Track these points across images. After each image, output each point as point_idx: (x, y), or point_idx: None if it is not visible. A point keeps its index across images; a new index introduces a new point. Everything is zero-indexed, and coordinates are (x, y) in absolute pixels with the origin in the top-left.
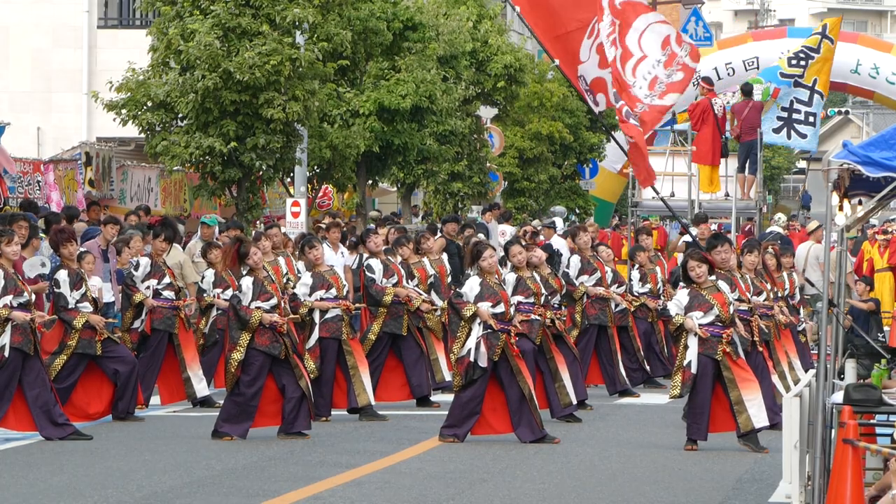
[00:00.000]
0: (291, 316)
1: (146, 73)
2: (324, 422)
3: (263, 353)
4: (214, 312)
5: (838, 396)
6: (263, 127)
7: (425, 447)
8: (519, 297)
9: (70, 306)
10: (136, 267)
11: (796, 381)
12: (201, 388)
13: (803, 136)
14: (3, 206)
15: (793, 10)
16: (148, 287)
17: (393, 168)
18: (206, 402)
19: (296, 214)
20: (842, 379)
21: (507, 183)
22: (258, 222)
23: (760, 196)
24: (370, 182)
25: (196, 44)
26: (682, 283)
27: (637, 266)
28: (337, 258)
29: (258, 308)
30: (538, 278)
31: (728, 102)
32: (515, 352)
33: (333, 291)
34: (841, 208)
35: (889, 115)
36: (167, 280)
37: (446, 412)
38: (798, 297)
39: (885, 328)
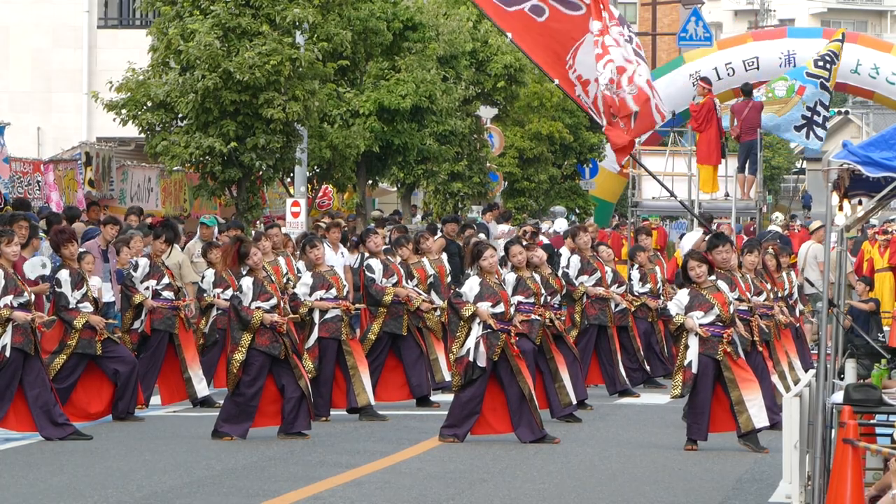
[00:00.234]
0: (291, 316)
1: (146, 73)
2: (323, 422)
3: (264, 353)
4: (214, 312)
5: (838, 396)
6: (263, 127)
7: (425, 447)
8: (519, 297)
9: (71, 306)
10: (135, 268)
11: (796, 381)
12: (201, 388)
13: (820, 138)
14: (2, 206)
15: (793, 10)
16: (147, 288)
17: (393, 168)
18: (206, 402)
19: (296, 214)
20: (842, 379)
21: (507, 183)
22: (258, 222)
23: (760, 196)
24: (370, 182)
25: (196, 44)
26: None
27: (637, 266)
28: (337, 258)
29: (258, 308)
30: (538, 278)
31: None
32: (515, 352)
33: (333, 291)
34: (841, 208)
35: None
36: (166, 280)
37: (446, 412)
38: (796, 295)
39: (885, 328)
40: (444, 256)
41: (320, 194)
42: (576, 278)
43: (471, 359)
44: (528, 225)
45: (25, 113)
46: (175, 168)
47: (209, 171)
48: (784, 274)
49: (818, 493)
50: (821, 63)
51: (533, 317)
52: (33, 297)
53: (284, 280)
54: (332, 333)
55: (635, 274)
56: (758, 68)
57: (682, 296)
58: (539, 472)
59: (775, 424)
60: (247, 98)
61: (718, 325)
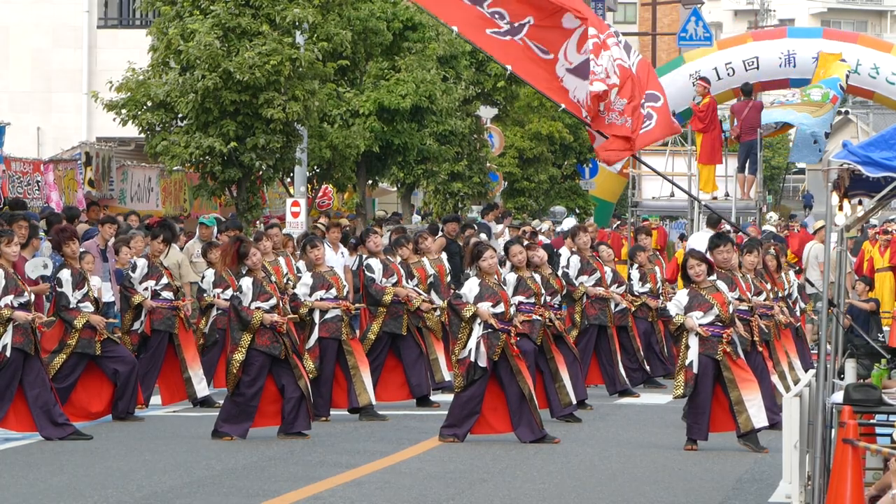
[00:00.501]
0: (290, 316)
1: (146, 73)
2: (323, 422)
3: (264, 353)
4: (214, 312)
5: (838, 396)
6: (263, 127)
7: (425, 447)
8: (520, 298)
9: (71, 306)
10: (133, 268)
11: (796, 381)
12: (201, 388)
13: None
14: (2, 206)
15: (793, 10)
16: (146, 288)
17: (393, 168)
18: (206, 402)
19: (296, 214)
20: (842, 379)
21: (507, 183)
22: (258, 222)
23: (760, 196)
24: (370, 182)
25: (196, 44)
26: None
27: (637, 266)
28: (337, 258)
29: (258, 308)
30: (539, 279)
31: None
32: (515, 352)
33: (333, 292)
34: (841, 208)
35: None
36: (165, 280)
37: (446, 412)
38: (795, 295)
39: (885, 328)
40: (444, 256)
41: (320, 194)
42: (576, 278)
43: (472, 359)
44: (527, 225)
45: (25, 113)
46: (175, 168)
47: (209, 171)
48: (783, 274)
49: (818, 493)
50: (843, 85)
51: (534, 317)
52: (33, 296)
53: (285, 280)
54: (333, 333)
55: (635, 274)
56: (758, 68)
57: (682, 296)
58: (539, 472)
59: (775, 424)
60: (247, 98)
61: (718, 325)
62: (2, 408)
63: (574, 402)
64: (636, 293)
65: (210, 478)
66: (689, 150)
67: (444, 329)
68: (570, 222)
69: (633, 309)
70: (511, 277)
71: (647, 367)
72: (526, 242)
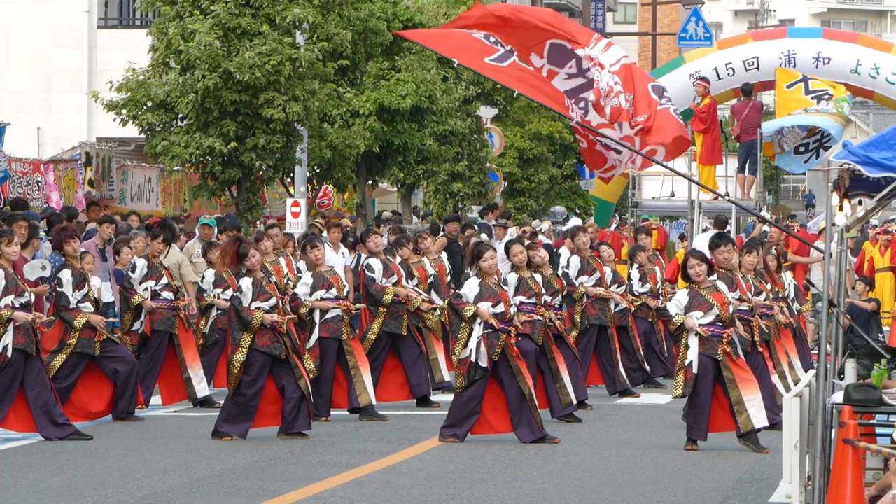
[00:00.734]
0: (290, 315)
1: (146, 73)
2: (323, 422)
3: (264, 353)
4: (214, 312)
5: (838, 396)
6: (263, 127)
7: (425, 447)
8: (521, 298)
9: (71, 306)
10: (133, 269)
11: (796, 381)
12: (201, 388)
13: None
14: (2, 206)
15: (793, 10)
16: (146, 289)
17: (393, 168)
18: (206, 402)
19: (296, 214)
20: (842, 379)
21: (507, 183)
22: (258, 222)
23: (760, 196)
24: (370, 182)
25: (196, 44)
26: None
27: (637, 266)
28: (337, 258)
29: (258, 308)
30: (539, 279)
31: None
32: (515, 352)
33: (334, 291)
34: (841, 208)
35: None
36: (165, 280)
37: (446, 412)
38: (792, 294)
39: (885, 328)
40: (444, 256)
41: (320, 194)
42: (575, 279)
43: (473, 359)
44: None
45: (25, 113)
46: (175, 168)
47: (209, 171)
48: (782, 274)
49: (818, 493)
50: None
51: (535, 317)
52: (33, 297)
53: (285, 280)
54: (333, 333)
55: (635, 274)
56: (758, 68)
57: (682, 296)
58: (539, 472)
59: (775, 424)
60: (247, 98)
61: (718, 325)
62: (3, 408)
63: (574, 402)
64: (636, 293)
65: (210, 478)
66: (689, 151)
67: (444, 329)
68: (575, 222)
69: (633, 309)
70: (512, 278)
71: (647, 367)
72: (527, 242)
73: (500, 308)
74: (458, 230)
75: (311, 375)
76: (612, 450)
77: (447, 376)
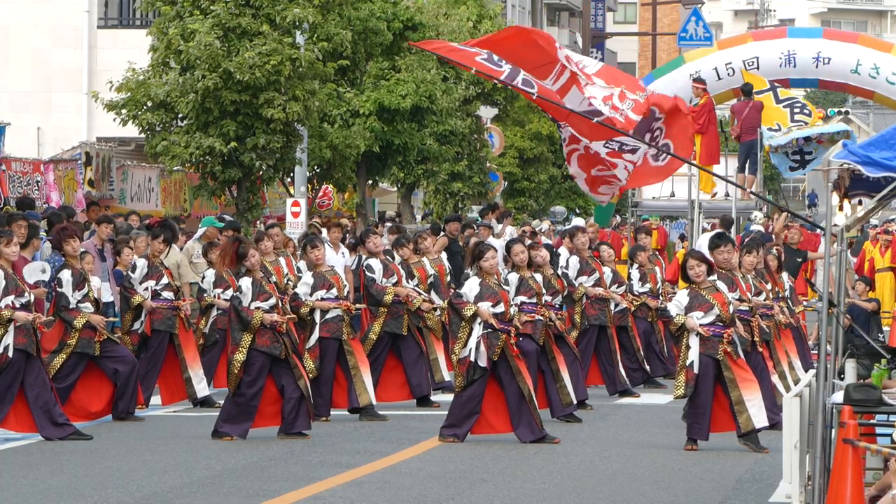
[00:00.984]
0: (290, 315)
1: (146, 73)
2: (323, 422)
3: (264, 353)
4: (214, 312)
5: (838, 396)
6: (263, 127)
7: (425, 447)
8: (522, 298)
9: (71, 306)
10: (133, 269)
11: (796, 381)
12: (201, 388)
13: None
14: (3, 205)
15: (793, 10)
16: (146, 288)
17: (393, 168)
18: (206, 402)
19: (296, 214)
20: (842, 379)
21: (507, 183)
22: (258, 222)
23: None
24: (370, 182)
25: (196, 44)
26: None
27: (637, 266)
28: (337, 258)
29: (258, 308)
30: (539, 279)
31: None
32: (515, 352)
33: (334, 291)
34: (841, 208)
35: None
36: (165, 280)
37: (446, 412)
38: (788, 295)
39: (885, 328)
40: (444, 256)
41: (320, 194)
42: (575, 279)
43: (472, 359)
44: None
45: (25, 113)
46: (175, 168)
47: (209, 171)
48: (781, 274)
49: (818, 493)
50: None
51: (536, 317)
52: (33, 297)
53: (285, 280)
54: (333, 333)
55: (635, 274)
56: (758, 68)
57: (682, 296)
58: (539, 472)
59: (775, 424)
60: (247, 98)
61: (718, 325)
62: (3, 408)
63: (575, 402)
64: (636, 293)
65: (210, 478)
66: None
67: (444, 329)
68: (577, 222)
69: (632, 309)
70: (513, 277)
71: (647, 367)
72: (529, 242)
73: (501, 308)
74: (458, 230)
75: (311, 375)
76: (612, 450)
77: (447, 376)
